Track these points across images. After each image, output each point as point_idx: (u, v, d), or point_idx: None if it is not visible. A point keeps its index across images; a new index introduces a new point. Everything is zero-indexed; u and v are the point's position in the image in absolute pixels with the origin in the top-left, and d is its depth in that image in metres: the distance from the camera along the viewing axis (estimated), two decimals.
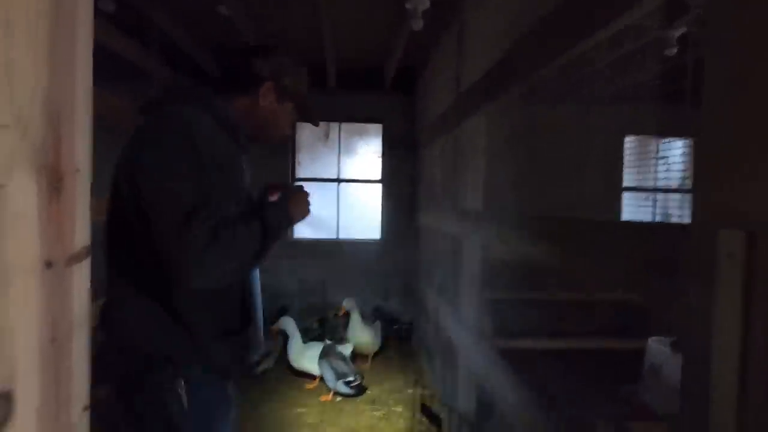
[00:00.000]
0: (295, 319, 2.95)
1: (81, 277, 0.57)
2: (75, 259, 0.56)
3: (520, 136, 2.05)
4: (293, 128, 1.13)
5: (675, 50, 2.28)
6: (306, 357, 2.79)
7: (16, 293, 0.43)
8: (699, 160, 0.72)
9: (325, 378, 2.65)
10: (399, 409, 2.51)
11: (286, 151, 3.72)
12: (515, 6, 1.58)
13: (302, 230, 3.92)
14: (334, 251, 3.79)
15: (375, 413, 2.47)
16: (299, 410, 2.49)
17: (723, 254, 0.62)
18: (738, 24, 0.64)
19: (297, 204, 1.03)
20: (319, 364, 2.67)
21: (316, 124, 1.20)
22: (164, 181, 0.84)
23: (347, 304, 3.20)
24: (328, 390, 2.65)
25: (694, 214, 0.72)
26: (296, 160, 3.83)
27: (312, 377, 2.80)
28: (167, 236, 0.83)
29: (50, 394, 0.51)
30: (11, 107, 0.41)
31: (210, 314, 0.93)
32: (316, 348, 2.78)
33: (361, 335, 3.12)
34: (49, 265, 0.50)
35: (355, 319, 3.14)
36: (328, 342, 2.78)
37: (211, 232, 0.83)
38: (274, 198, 1.19)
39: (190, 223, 0.82)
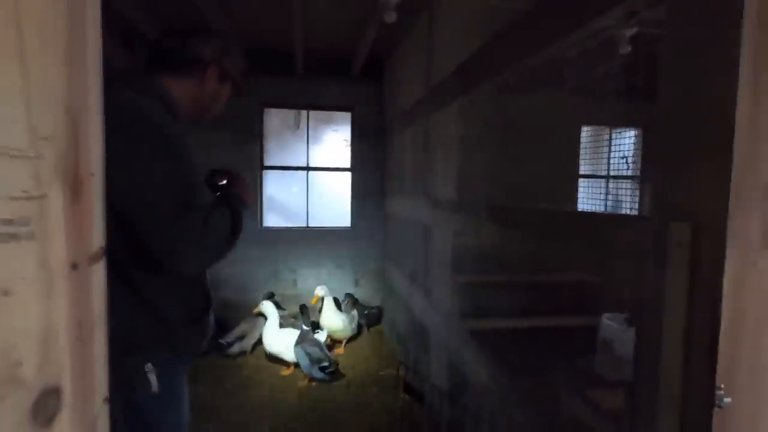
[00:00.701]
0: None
1: (99, 277, 0.60)
2: (94, 259, 0.59)
3: (490, 127, 2.14)
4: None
5: (628, 48, 2.43)
6: (280, 343, 2.82)
7: (57, 295, 0.45)
8: (654, 161, 0.83)
9: (300, 364, 2.70)
10: (374, 390, 2.61)
11: (254, 140, 3.66)
12: (488, 4, 1.64)
13: (272, 219, 3.89)
14: (305, 239, 3.80)
15: (351, 396, 2.55)
16: (277, 395, 2.53)
17: (673, 243, 0.72)
18: (688, 40, 0.73)
19: (247, 190, 1.10)
20: (295, 350, 2.71)
21: (243, 95, 1.21)
22: (146, 175, 0.84)
23: (320, 291, 3.25)
24: (304, 375, 2.70)
25: (649, 207, 0.82)
26: (264, 149, 3.77)
27: (287, 363, 2.85)
28: (160, 228, 0.84)
29: (78, 388, 0.54)
30: (49, 116, 0.43)
31: (178, 300, 0.96)
32: (291, 334, 2.82)
33: (334, 322, 3.18)
34: (74, 266, 0.52)
35: (328, 305, 3.20)
36: (304, 328, 2.82)
37: (203, 220, 0.88)
38: (223, 182, 1.26)
39: (185, 213, 0.85)
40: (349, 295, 3.72)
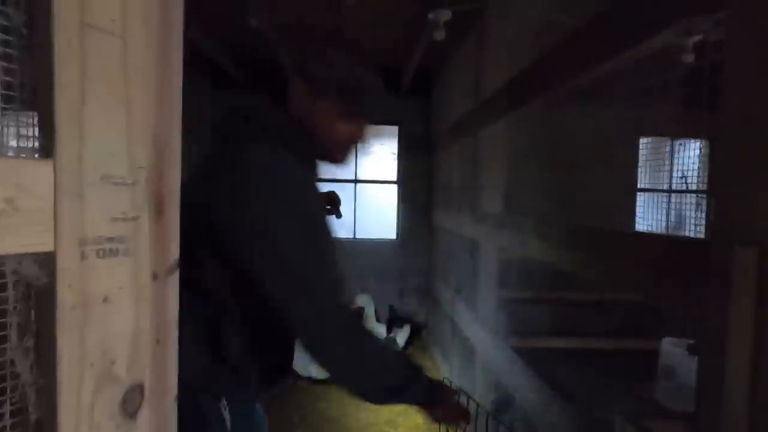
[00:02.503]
0: None
1: (174, 286, 0.67)
2: (171, 270, 0.66)
3: (539, 140, 2.11)
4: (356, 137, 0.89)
5: (692, 57, 2.31)
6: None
7: (143, 303, 0.51)
8: (716, 180, 0.79)
9: None
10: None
11: None
12: (539, 19, 1.64)
13: None
14: (351, 250, 3.88)
15: (393, 408, 2.55)
16: (320, 405, 2.59)
17: (738, 268, 0.69)
18: (754, 59, 0.70)
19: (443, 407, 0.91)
20: None
21: (371, 122, 0.94)
22: (297, 258, 0.75)
23: (360, 301, 3.30)
24: None
25: (711, 230, 0.78)
26: None
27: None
28: (306, 317, 0.77)
29: (156, 386, 0.60)
30: (143, 148, 0.50)
31: (260, 358, 0.86)
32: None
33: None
34: (155, 277, 0.59)
35: (369, 315, 3.24)
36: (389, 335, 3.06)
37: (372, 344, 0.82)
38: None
39: (335, 310, 0.77)
40: (390, 309, 3.74)
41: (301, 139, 0.84)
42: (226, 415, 0.84)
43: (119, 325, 0.47)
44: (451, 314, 2.79)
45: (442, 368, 3.00)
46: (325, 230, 0.82)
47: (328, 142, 0.87)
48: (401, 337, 3.32)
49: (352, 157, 0.92)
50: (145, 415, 0.50)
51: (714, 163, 0.81)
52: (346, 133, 0.87)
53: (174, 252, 0.66)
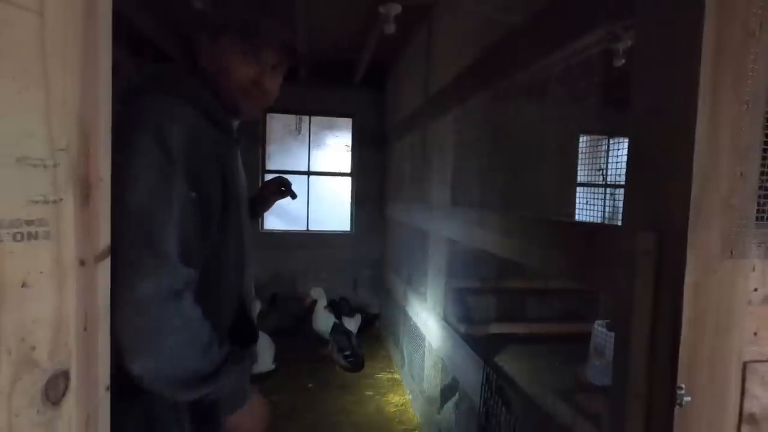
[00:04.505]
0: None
1: (105, 273, 0.65)
2: (100, 257, 0.64)
3: (486, 135, 2.19)
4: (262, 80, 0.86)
5: (622, 61, 2.48)
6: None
7: (68, 289, 0.50)
8: (627, 172, 0.87)
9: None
10: (370, 392, 2.65)
11: (256, 144, 3.72)
12: (484, 15, 1.70)
13: (272, 222, 3.95)
14: (305, 243, 3.86)
15: (347, 397, 2.59)
16: (273, 398, 2.57)
17: (640, 251, 0.77)
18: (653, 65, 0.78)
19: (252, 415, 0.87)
20: (330, 336, 3.08)
21: (293, 61, 0.93)
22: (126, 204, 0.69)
23: (314, 293, 3.29)
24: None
25: (622, 218, 0.87)
26: (266, 153, 3.84)
27: None
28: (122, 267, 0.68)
29: (84, 375, 0.59)
30: (65, 129, 0.48)
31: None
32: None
33: (324, 324, 3.22)
34: (82, 263, 0.58)
35: (320, 308, 3.24)
36: (336, 321, 3.19)
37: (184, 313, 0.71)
38: (272, 202, 1.24)
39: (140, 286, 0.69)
40: (342, 299, 3.75)
41: (206, 93, 0.82)
42: (185, 418, 0.80)
43: (40, 310, 0.45)
44: (402, 304, 2.86)
45: (395, 357, 3.07)
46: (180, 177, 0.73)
47: (233, 89, 0.85)
48: (353, 325, 3.37)
49: (257, 110, 0.91)
50: (70, 403, 0.49)
51: (627, 156, 0.89)
52: (247, 75, 0.85)
53: (104, 239, 0.64)
